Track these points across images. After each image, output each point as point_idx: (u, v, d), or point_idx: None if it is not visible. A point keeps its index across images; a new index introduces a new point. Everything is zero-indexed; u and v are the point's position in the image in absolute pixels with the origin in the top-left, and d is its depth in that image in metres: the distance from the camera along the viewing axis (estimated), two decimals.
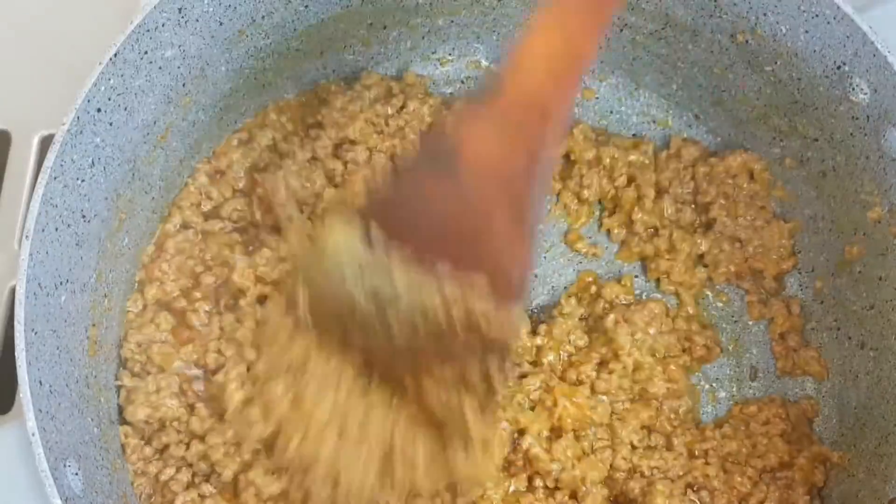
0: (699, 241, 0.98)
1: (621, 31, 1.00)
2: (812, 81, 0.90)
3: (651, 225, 0.99)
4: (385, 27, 1.01)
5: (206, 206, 0.97)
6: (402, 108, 1.01)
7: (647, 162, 1.01)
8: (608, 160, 1.00)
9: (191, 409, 0.87)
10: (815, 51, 0.88)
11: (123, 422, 0.87)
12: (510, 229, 0.69)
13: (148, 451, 0.86)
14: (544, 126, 0.68)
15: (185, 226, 0.95)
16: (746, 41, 0.93)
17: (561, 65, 0.67)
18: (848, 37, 0.84)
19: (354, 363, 0.72)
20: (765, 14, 0.89)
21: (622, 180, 1.00)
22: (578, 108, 1.05)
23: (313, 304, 0.71)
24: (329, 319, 0.71)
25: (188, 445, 0.86)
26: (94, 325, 0.84)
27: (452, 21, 1.03)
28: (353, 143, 0.98)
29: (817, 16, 0.85)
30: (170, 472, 0.85)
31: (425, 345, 0.68)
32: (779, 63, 0.92)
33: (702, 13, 0.94)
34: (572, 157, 1.01)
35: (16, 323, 0.72)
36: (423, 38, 1.04)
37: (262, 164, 0.98)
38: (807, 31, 0.87)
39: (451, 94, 1.05)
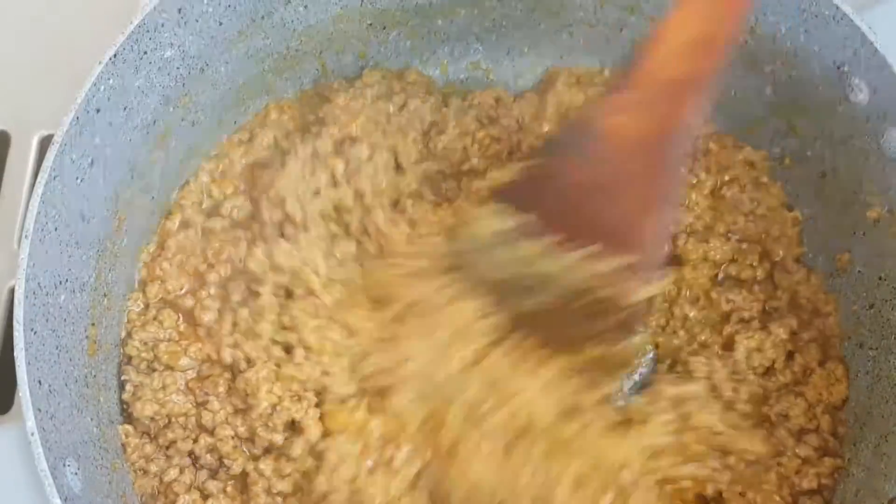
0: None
1: (621, 30, 1.00)
2: (811, 81, 0.90)
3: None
4: (385, 27, 1.01)
5: (207, 204, 0.97)
6: (402, 106, 1.01)
7: None
8: None
9: (201, 405, 0.88)
10: (814, 51, 0.88)
11: (128, 420, 0.87)
12: (648, 200, 0.73)
13: (149, 449, 0.86)
14: (685, 101, 0.70)
15: (185, 224, 0.95)
16: (746, 41, 0.93)
17: (704, 42, 0.69)
18: (847, 37, 0.84)
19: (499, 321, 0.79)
20: (764, 14, 0.89)
21: None
22: None
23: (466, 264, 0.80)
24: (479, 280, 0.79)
25: (196, 440, 0.86)
26: (93, 324, 0.84)
27: (452, 21, 1.03)
28: (353, 140, 0.98)
29: (817, 16, 0.85)
30: (174, 472, 0.85)
31: (573, 320, 0.76)
32: (778, 63, 0.92)
33: None
34: None
35: (15, 323, 0.72)
36: (422, 38, 1.04)
37: (264, 162, 0.98)
38: (806, 31, 0.87)
39: (449, 94, 1.05)
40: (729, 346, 0.92)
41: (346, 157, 0.97)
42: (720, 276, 0.96)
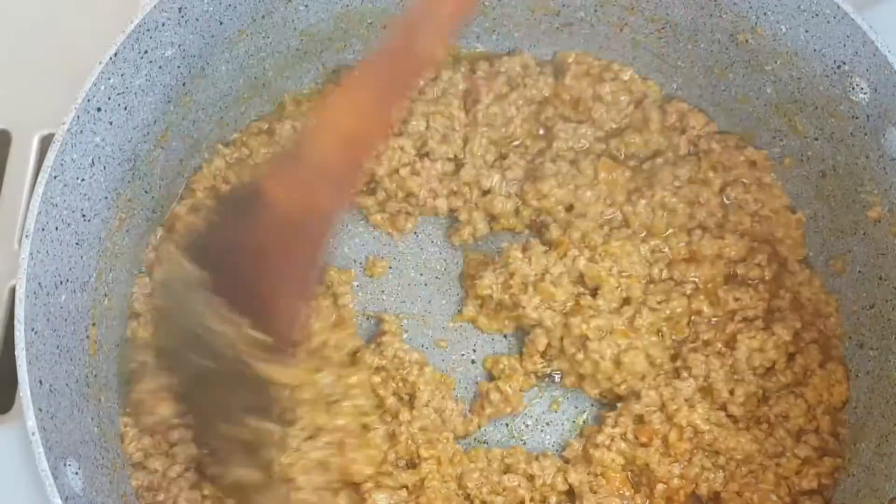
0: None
1: (621, 30, 1.00)
2: (812, 81, 0.90)
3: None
4: (385, 27, 1.01)
5: (222, 190, 0.97)
6: (435, 78, 1.02)
7: None
8: None
9: None
10: (815, 50, 0.88)
11: (129, 413, 0.88)
12: (290, 276, 0.76)
13: (146, 442, 0.86)
14: (332, 192, 0.74)
15: (195, 207, 0.96)
16: (746, 41, 0.93)
17: (355, 138, 0.73)
18: (848, 36, 0.84)
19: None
20: (765, 13, 0.89)
21: None
22: None
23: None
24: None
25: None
26: (94, 324, 0.84)
27: None
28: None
29: (817, 15, 0.85)
30: (178, 469, 0.85)
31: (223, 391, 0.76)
32: (779, 62, 0.92)
33: (702, 13, 0.94)
34: None
35: (16, 322, 0.72)
36: None
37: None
38: (807, 31, 0.87)
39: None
40: (731, 344, 0.92)
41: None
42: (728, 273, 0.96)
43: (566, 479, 0.88)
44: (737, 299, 0.94)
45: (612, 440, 0.89)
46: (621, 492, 0.89)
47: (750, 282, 0.96)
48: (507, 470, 0.89)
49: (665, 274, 0.95)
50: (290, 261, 0.75)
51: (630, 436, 0.90)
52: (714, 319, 0.94)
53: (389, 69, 0.73)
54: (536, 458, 0.89)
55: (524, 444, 0.93)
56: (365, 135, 0.74)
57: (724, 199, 0.98)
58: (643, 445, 0.89)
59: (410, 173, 0.97)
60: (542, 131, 1.01)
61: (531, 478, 0.89)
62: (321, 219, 0.75)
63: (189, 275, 0.74)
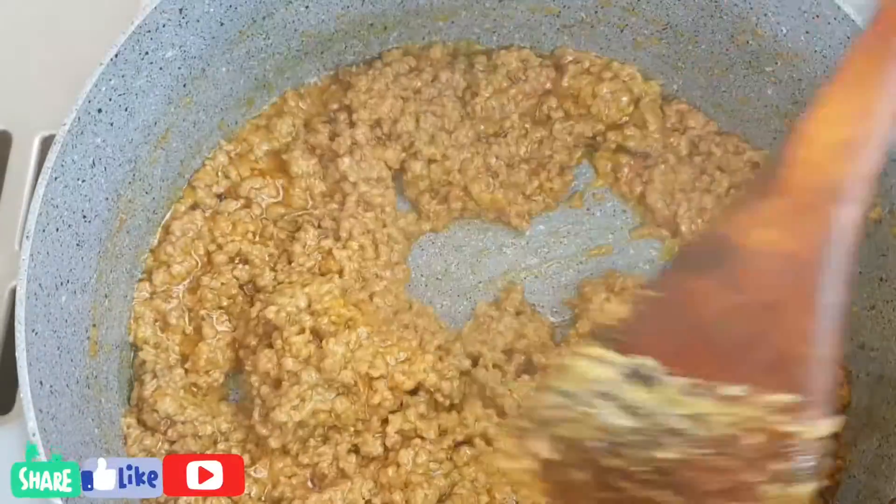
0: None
1: (622, 31, 1.00)
2: (813, 82, 0.90)
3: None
4: (385, 28, 1.01)
5: (222, 187, 0.98)
6: (434, 78, 1.02)
7: None
8: None
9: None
10: (815, 51, 0.88)
11: (135, 411, 0.88)
12: (809, 321, 0.61)
13: (148, 443, 0.86)
14: (837, 209, 0.61)
15: (194, 207, 0.96)
16: (747, 42, 0.93)
17: (857, 137, 0.61)
18: (849, 37, 0.84)
19: None
20: (765, 15, 0.89)
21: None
22: None
23: (562, 449, 0.64)
24: (577, 464, 0.64)
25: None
26: (94, 325, 0.84)
27: (453, 22, 1.03)
28: (378, 122, 0.99)
29: (818, 16, 0.85)
30: None
31: (711, 478, 0.61)
32: (779, 64, 0.92)
33: (702, 14, 0.94)
34: None
35: (16, 323, 0.72)
36: (423, 38, 1.04)
37: (285, 148, 0.99)
38: (808, 32, 0.87)
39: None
40: None
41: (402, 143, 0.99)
42: None
43: None
44: None
45: None
46: None
47: None
48: None
49: None
50: (803, 301, 0.61)
51: None
52: None
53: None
54: None
55: None
56: (873, 127, 0.61)
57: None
58: None
59: None
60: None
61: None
62: (834, 242, 0.61)
63: (619, 368, 0.63)
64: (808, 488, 0.61)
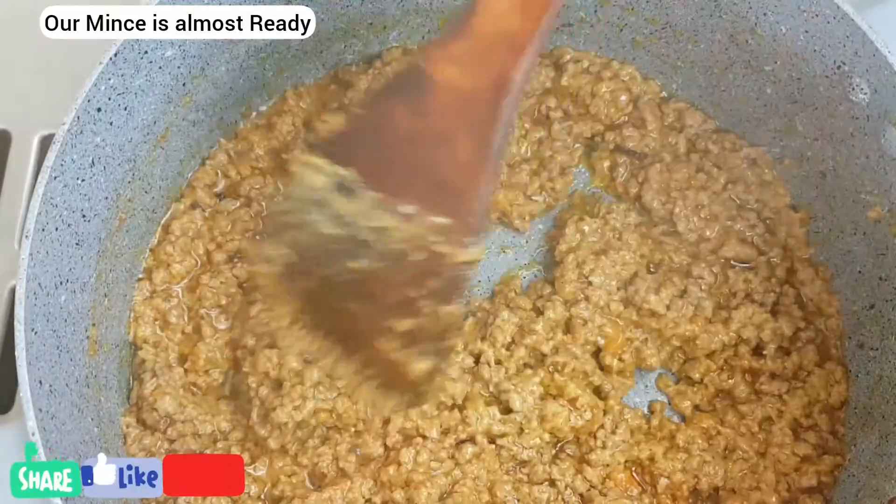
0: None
1: (621, 31, 1.00)
2: (812, 81, 0.90)
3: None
4: (385, 27, 1.01)
5: (221, 186, 0.98)
6: None
7: None
8: None
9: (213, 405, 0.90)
10: (815, 50, 0.88)
11: (135, 410, 0.88)
12: (474, 155, 0.70)
13: (147, 442, 0.86)
14: (513, 58, 0.69)
15: (193, 206, 0.96)
16: (746, 41, 0.93)
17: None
18: (848, 36, 0.84)
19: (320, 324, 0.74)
20: (765, 14, 0.89)
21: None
22: None
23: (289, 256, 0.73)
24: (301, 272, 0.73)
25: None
26: (94, 324, 0.84)
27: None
28: None
29: (817, 15, 0.85)
30: None
31: (386, 291, 0.71)
32: (778, 63, 0.92)
33: (701, 13, 0.94)
34: None
35: (16, 323, 0.72)
36: (423, 38, 1.04)
37: (285, 147, 0.99)
38: (807, 31, 0.87)
39: None
40: (727, 322, 0.93)
41: None
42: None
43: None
44: (747, 280, 0.95)
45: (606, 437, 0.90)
46: (629, 492, 0.89)
47: (756, 271, 0.96)
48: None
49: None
50: (472, 137, 0.70)
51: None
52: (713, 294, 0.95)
53: None
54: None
55: None
56: None
57: (730, 197, 0.98)
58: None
59: None
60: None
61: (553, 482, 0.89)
62: (503, 87, 0.69)
63: (329, 177, 0.70)
64: (454, 310, 0.72)
